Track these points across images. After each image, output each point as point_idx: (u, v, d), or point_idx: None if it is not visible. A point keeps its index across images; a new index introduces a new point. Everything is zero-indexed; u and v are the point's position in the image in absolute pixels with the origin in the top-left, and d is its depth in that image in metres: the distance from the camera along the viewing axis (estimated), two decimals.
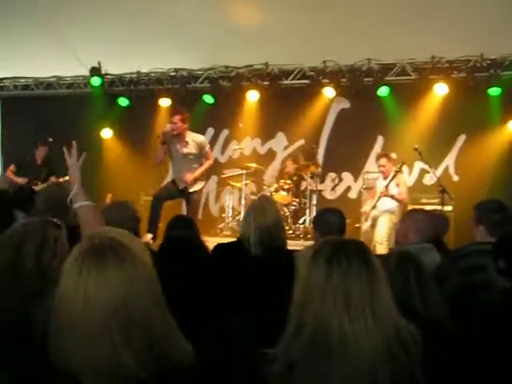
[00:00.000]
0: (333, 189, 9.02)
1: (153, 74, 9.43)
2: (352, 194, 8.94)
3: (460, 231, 6.86)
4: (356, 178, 8.89)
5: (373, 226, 7.12)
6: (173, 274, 1.99)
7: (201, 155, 6.93)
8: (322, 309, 1.49)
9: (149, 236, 6.39)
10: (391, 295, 1.62)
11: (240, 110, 9.29)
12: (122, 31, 8.10)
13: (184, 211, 7.32)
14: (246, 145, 9.43)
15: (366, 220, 7.25)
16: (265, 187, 8.45)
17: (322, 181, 8.89)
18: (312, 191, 8.36)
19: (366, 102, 8.55)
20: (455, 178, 8.44)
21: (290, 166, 8.60)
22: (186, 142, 6.82)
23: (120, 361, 1.31)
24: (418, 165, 8.38)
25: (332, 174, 9.03)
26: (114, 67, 9.37)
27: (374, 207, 7.14)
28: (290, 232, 8.12)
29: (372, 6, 7.25)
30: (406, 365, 1.54)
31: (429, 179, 8.31)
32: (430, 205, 7.24)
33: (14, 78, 10.10)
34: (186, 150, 6.83)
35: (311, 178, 8.37)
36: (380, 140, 8.81)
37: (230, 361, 1.86)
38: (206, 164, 7.01)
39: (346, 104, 9.02)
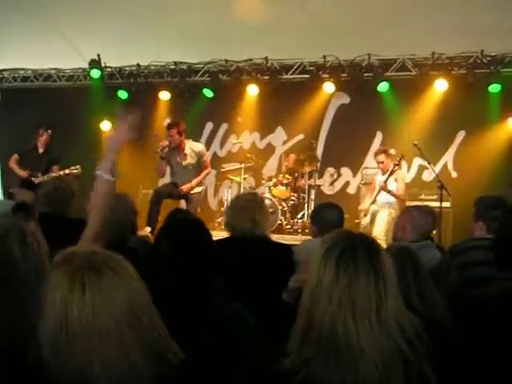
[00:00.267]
0: (331, 184, 9.01)
1: (152, 67, 9.41)
2: (351, 190, 8.94)
3: (458, 227, 6.89)
4: (355, 174, 8.89)
5: (372, 221, 7.12)
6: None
7: (199, 164, 7.00)
8: (328, 311, 1.49)
9: (148, 229, 6.41)
10: (399, 296, 1.62)
11: (239, 104, 9.28)
12: (122, 24, 8.07)
13: (183, 207, 7.34)
14: (245, 139, 9.42)
15: (365, 215, 7.24)
16: (263, 181, 8.45)
17: (321, 176, 8.88)
18: (311, 186, 8.36)
19: (365, 97, 8.54)
20: (454, 175, 8.44)
21: (289, 160, 8.59)
22: (185, 155, 6.92)
23: (132, 364, 1.35)
24: (417, 161, 8.39)
25: (331, 169, 9.03)
26: (114, 60, 9.35)
27: (373, 202, 7.14)
28: (289, 227, 8.14)
29: (373, 1, 7.24)
30: (414, 363, 1.55)
31: (428, 175, 8.31)
32: (429, 201, 7.24)
33: (13, 69, 10.07)
34: (184, 163, 6.95)
35: (310, 173, 8.37)
36: (379, 136, 8.80)
37: (232, 350, 1.88)
38: (203, 173, 7.13)
39: (346, 99, 9.01)
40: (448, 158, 8.48)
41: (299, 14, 7.53)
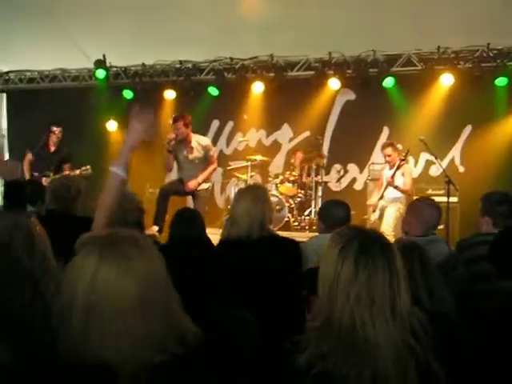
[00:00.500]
0: (338, 180, 9.00)
1: (158, 66, 9.42)
2: (358, 186, 8.93)
3: (466, 222, 6.86)
4: (362, 170, 8.88)
5: (381, 216, 7.11)
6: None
7: (206, 159, 6.96)
8: (347, 307, 1.52)
9: (155, 228, 6.41)
10: (408, 291, 1.65)
11: (245, 101, 9.28)
12: (127, 23, 8.07)
13: (191, 205, 7.33)
14: (251, 137, 9.42)
15: (374, 211, 7.24)
16: (270, 179, 8.45)
17: (328, 172, 8.87)
18: (317, 183, 8.36)
19: (371, 93, 8.52)
20: (461, 169, 8.41)
21: (296, 157, 8.59)
22: (192, 148, 6.87)
23: (153, 342, 1.39)
24: (424, 156, 8.36)
25: (337, 166, 9.02)
26: (119, 59, 9.36)
27: (381, 197, 7.13)
28: (296, 224, 8.14)
29: None
30: (422, 357, 1.58)
31: (435, 170, 8.28)
32: (436, 196, 7.20)
33: (19, 71, 10.11)
34: (191, 156, 6.89)
35: (316, 169, 8.36)
36: (386, 131, 8.78)
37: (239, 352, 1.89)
38: (210, 168, 7.04)
39: (352, 95, 8.99)
40: (455, 152, 8.45)
41: (304, 10, 7.51)
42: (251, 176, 8.39)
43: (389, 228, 6.82)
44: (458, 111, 8.08)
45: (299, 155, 8.54)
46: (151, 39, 8.25)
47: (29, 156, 7.67)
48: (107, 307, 1.37)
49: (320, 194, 8.35)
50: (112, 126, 9.82)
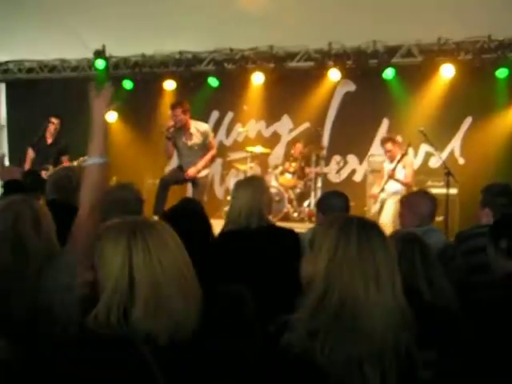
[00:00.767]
0: (338, 172, 9.00)
1: (157, 57, 9.39)
2: (357, 177, 8.92)
3: (465, 214, 6.88)
4: (361, 161, 8.87)
5: (381, 209, 7.13)
6: None
7: (204, 145, 6.97)
8: (350, 280, 1.57)
9: (155, 219, 6.42)
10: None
11: (245, 92, 9.25)
12: (127, 13, 8.04)
13: (190, 195, 7.35)
14: (251, 128, 9.41)
15: (374, 203, 7.24)
16: (270, 170, 8.45)
17: (327, 164, 8.87)
18: (317, 174, 8.35)
19: (371, 84, 8.50)
20: (461, 161, 8.40)
21: (296, 148, 8.58)
22: (191, 134, 6.88)
23: (189, 312, 1.52)
24: (424, 147, 8.35)
25: (337, 157, 9.01)
26: (119, 50, 9.33)
27: (382, 190, 7.14)
28: (295, 215, 8.15)
29: None
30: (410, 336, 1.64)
31: (434, 162, 8.28)
32: (436, 187, 7.24)
33: (18, 61, 10.07)
34: (190, 143, 6.91)
35: (316, 161, 8.36)
36: (385, 122, 8.77)
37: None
38: (209, 155, 7.07)
39: (352, 86, 8.97)
40: (455, 144, 8.44)
41: (304, 0, 7.49)
42: (251, 167, 8.39)
43: (388, 220, 6.83)
44: (459, 103, 8.06)
45: (299, 146, 8.53)
46: (151, 29, 8.22)
47: (30, 153, 7.67)
48: (145, 279, 1.49)
49: (319, 185, 8.35)
50: (112, 116, 9.79)
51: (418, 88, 8.41)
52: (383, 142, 7.37)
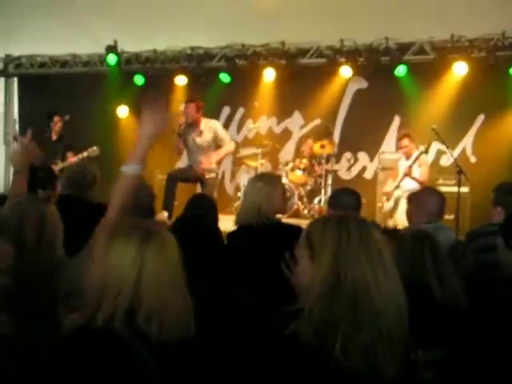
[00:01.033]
0: (348, 169, 8.97)
1: (169, 52, 9.39)
2: (368, 175, 8.88)
3: (476, 213, 6.83)
4: (372, 158, 8.83)
5: (395, 206, 7.09)
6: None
7: (215, 142, 6.97)
8: (359, 269, 1.61)
9: (165, 214, 6.44)
10: None
11: (256, 88, 9.24)
12: (139, 9, 8.06)
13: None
14: (262, 124, 9.39)
15: (388, 200, 7.21)
16: (280, 166, 8.44)
17: (338, 161, 8.85)
18: (327, 171, 8.34)
19: (383, 81, 8.46)
20: (473, 160, 8.34)
21: (307, 145, 8.56)
22: (201, 131, 6.90)
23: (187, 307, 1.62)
24: (435, 145, 8.26)
25: (348, 154, 8.98)
26: (130, 45, 9.34)
27: (397, 187, 7.11)
28: (305, 212, 8.14)
29: None
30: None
31: (446, 160, 8.22)
32: (447, 186, 7.19)
33: (30, 55, 10.11)
34: (199, 140, 6.93)
35: (327, 158, 8.34)
36: (397, 120, 8.72)
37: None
38: (224, 149, 7.05)
39: (363, 83, 8.93)
40: (467, 142, 8.38)
41: None
42: (261, 163, 8.39)
43: (403, 218, 6.79)
44: (471, 100, 8.00)
45: (309, 142, 8.51)
46: (163, 24, 8.23)
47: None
48: (154, 281, 1.56)
49: (330, 182, 8.34)
50: (123, 111, 9.83)
51: (430, 85, 8.35)
52: (400, 138, 7.34)
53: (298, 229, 3.41)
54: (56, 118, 7.77)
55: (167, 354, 1.49)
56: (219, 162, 7.14)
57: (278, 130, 9.43)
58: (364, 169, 8.94)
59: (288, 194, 7.84)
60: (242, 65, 9.05)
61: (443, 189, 6.73)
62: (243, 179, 8.73)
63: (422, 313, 2.24)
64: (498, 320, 2.35)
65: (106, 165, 8.47)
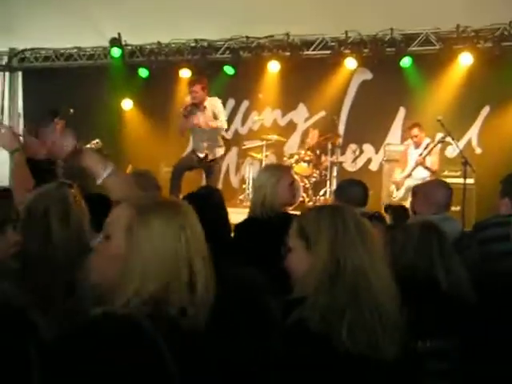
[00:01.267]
0: (353, 161, 8.95)
1: (173, 45, 9.37)
2: (373, 166, 8.87)
3: (482, 204, 6.81)
4: (377, 150, 8.81)
5: (406, 195, 7.08)
6: None
7: (215, 118, 7.01)
8: (357, 257, 1.64)
9: None
10: None
11: (261, 80, 9.22)
12: (142, 1, 8.04)
13: (204, 183, 7.38)
14: (267, 116, 9.38)
15: (398, 189, 7.21)
16: (285, 158, 8.43)
17: (343, 152, 8.83)
18: (333, 163, 8.32)
19: (388, 72, 8.43)
20: (478, 151, 8.32)
21: (312, 137, 8.54)
22: (205, 107, 6.93)
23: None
24: (441, 136, 8.27)
25: (353, 146, 8.96)
26: (134, 38, 9.33)
27: (409, 176, 7.10)
28: (310, 204, 8.13)
29: None
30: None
31: (451, 151, 8.17)
32: (452, 177, 7.16)
33: (34, 49, 10.11)
34: (202, 119, 6.92)
35: (332, 150, 8.32)
36: (402, 111, 8.70)
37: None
38: (216, 123, 7.03)
39: (368, 75, 8.90)
40: (472, 133, 8.35)
41: None
42: (266, 156, 8.38)
43: None
44: (477, 91, 7.97)
45: (314, 134, 8.49)
46: (167, 17, 8.20)
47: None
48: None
49: (335, 174, 8.32)
50: (127, 104, 9.83)
51: (435, 76, 8.32)
52: (410, 127, 7.35)
53: None
54: (57, 120, 7.75)
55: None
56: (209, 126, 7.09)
57: (282, 122, 9.41)
58: (369, 160, 8.92)
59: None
60: (247, 57, 9.03)
61: (449, 180, 6.67)
62: (248, 171, 8.73)
63: (428, 303, 2.24)
64: (504, 310, 2.35)
65: (109, 157, 8.52)
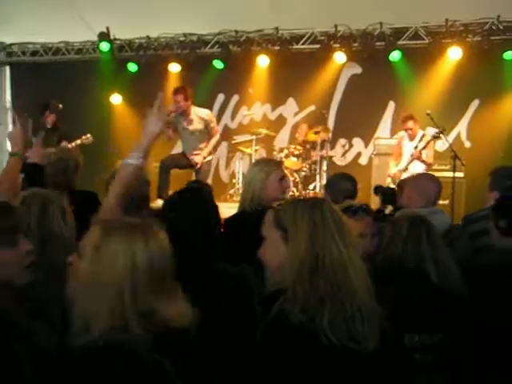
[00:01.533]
0: (343, 155, 8.97)
1: (162, 39, 9.33)
2: (362, 161, 8.90)
3: (471, 197, 6.84)
4: (367, 144, 8.83)
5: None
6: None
7: (207, 130, 6.99)
8: (335, 249, 1.67)
9: (159, 202, 6.42)
10: None
11: (250, 75, 9.21)
12: None
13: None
14: (257, 110, 9.37)
15: (394, 183, 7.23)
16: (275, 153, 8.42)
17: (333, 147, 8.83)
18: (322, 157, 8.32)
19: (377, 66, 8.43)
20: (467, 144, 8.36)
21: (301, 131, 8.54)
22: (191, 120, 6.90)
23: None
24: (430, 130, 8.29)
25: (342, 140, 8.98)
26: (123, 32, 9.27)
27: (405, 170, 7.12)
28: (301, 198, 8.14)
29: None
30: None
31: (441, 145, 8.20)
32: (442, 171, 7.19)
33: (22, 43, 10.03)
34: (191, 128, 6.92)
35: (321, 144, 8.32)
36: (391, 105, 8.72)
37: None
38: (213, 141, 7.10)
39: (358, 69, 8.91)
40: (461, 127, 8.39)
41: None
42: (256, 150, 8.37)
43: None
44: (466, 85, 8.00)
45: (303, 128, 8.49)
46: (155, 11, 8.15)
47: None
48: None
49: (325, 168, 8.32)
50: (116, 99, 9.78)
51: (424, 70, 8.34)
52: (404, 120, 7.33)
53: None
54: (47, 113, 7.69)
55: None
56: (210, 153, 7.15)
57: (272, 116, 9.40)
58: (359, 154, 8.94)
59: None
60: (236, 51, 9.01)
61: (438, 174, 6.72)
62: (238, 166, 8.72)
63: (417, 296, 2.25)
64: (493, 302, 2.37)
65: (99, 152, 8.49)
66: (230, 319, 2.06)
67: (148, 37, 9.35)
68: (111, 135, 9.42)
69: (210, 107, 8.93)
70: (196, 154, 7.00)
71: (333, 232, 1.68)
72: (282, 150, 8.37)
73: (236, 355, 1.85)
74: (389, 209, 3.96)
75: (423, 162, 7.00)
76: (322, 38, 8.63)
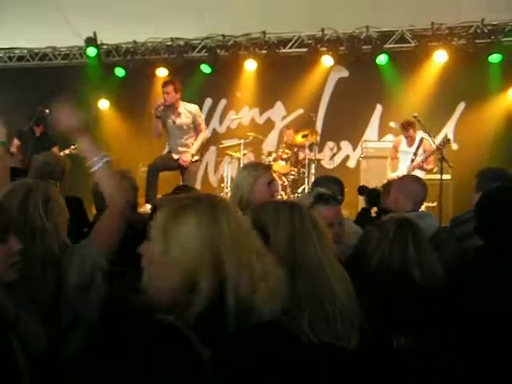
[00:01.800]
0: (331, 158, 8.99)
1: (149, 44, 9.32)
2: (351, 164, 8.93)
3: (459, 199, 6.89)
4: (355, 147, 8.87)
5: None
6: None
7: (195, 126, 6.94)
8: (313, 249, 1.68)
9: (148, 206, 6.39)
10: None
11: (238, 79, 9.22)
12: (118, 0, 7.97)
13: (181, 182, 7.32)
14: (245, 115, 9.38)
15: None
16: (263, 157, 8.43)
17: (321, 150, 8.86)
18: (311, 160, 8.34)
19: (364, 70, 8.48)
20: (454, 147, 8.40)
21: (287, 135, 8.56)
22: (179, 113, 6.85)
23: None
24: (418, 133, 8.33)
25: (330, 143, 9.01)
26: (110, 37, 9.25)
27: None
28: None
29: None
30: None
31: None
32: (429, 173, 7.24)
33: (8, 48, 9.98)
34: (179, 121, 6.86)
35: (310, 147, 8.34)
36: (379, 108, 8.76)
37: None
38: (200, 138, 6.99)
39: (345, 72, 8.95)
40: (448, 129, 8.44)
41: None
42: (244, 154, 8.36)
43: None
44: (452, 88, 8.06)
45: (289, 133, 8.50)
46: (142, 16, 8.15)
47: (16, 142, 7.60)
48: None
49: (313, 171, 8.33)
50: (104, 104, 9.75)
51: (411, 74, 8.40)
52: (406, 126, 7.32)
53: None
54: (33, 125, 7.60)
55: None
56: (198, 153, 7.08)
57: (260, 120, 9.42)
58: (347, 158, 8.98)
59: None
60: (224, 55, 9.02)
61: (426, 176, 6.80)
62: (226, 170, 8.71)
63: (402, 299, 2.26)
64: (478, 303, 2.38)
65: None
66: None
67: (135, 41, 9.35)
68: (99, 140, 9.38)
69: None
70: (184, 152, 6.93)
71: (311, 234, 1.70)
72: (270, 154, 8.37)
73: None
74: (373, 210, 3.97)
75: (425, 170, 7.10)
76: (310, 41, 8.66)
